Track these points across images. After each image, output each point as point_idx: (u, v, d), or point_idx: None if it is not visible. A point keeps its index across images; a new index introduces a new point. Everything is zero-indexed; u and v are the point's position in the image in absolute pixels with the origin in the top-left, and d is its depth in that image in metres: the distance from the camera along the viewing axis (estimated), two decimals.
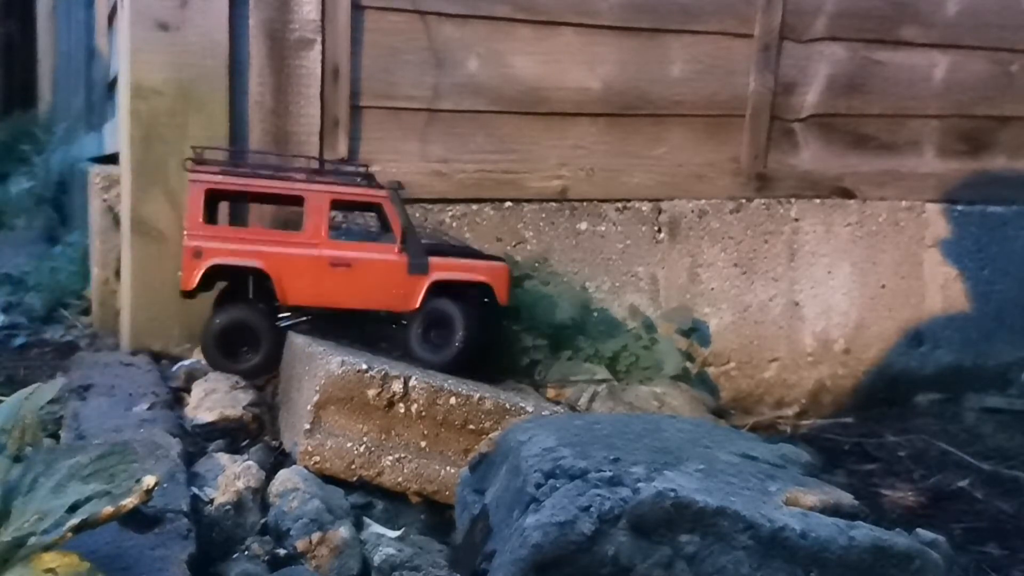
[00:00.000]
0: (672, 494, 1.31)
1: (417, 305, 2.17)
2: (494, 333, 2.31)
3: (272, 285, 2.15)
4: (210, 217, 2.19)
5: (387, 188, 2.20)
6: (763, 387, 2.96)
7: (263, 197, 2.26)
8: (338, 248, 2.18)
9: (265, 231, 2.26)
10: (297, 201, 2.19)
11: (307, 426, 1.82)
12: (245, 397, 2.07)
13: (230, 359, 2.19)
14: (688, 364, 2.65)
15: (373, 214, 2.37)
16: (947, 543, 1.43)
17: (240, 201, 2.36)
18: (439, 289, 2.18)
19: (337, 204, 2.21)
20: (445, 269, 2.20)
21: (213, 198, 2.20)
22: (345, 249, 2.19)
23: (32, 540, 1.18)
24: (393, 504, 1.83)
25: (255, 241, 2.17)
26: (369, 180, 2.24)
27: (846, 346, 3.03)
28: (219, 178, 2.15)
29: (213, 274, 2.16)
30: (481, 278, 2.22)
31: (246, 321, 2.19)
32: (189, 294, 2.17)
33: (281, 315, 2.23)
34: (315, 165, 2.35)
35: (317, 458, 1.81)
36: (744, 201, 2.90)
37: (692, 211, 2.84)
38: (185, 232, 2.15)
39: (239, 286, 2.23)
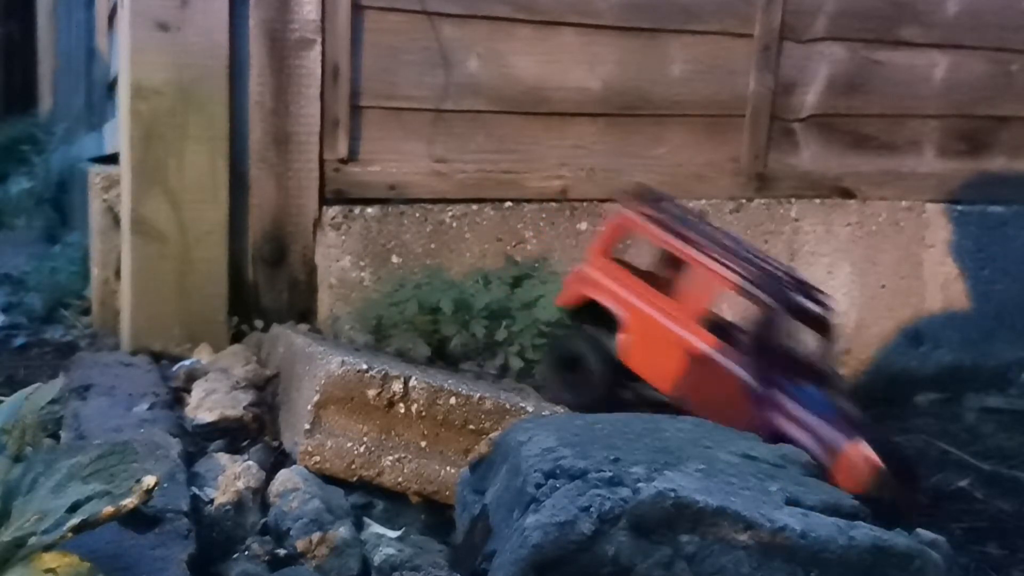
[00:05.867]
0: (672, 494, 1.31)
1: None
2: None
3: (621, 338, 2.06)
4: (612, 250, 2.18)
5: (778, 305, 1.94)
6: None
7: (667, 252, 2.16)
8: (701, 337, 1.99)
9: (646, 287, 2.10)
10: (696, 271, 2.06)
11: (307, 426, 1.82)
12: (245, 397, 2.07)
13: (566, 389, 2.15)
14: None
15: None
16: (947, 543, 1.43)
17: (644, 243, 2.27)
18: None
19: (727, 286, 2.01)
20: (792, 421, 1.85)
21: (624, 233, 2.19)
22: (707, 342, 1.98)
23: (32, 540, 1.18)
24: (393, 504, 1.83)
25: (628, 288, 2.09)
26: (809, 298, 2.02)
27: (846, 346, 3.03)
28: (637, 219, 2.14)
29: (588, 303, 2.15)
30: (809, 444, 1.78)
31: (586, 357, 2.12)
32: (564, 310, 2.22)
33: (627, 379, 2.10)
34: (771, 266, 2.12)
35: (317, 458, 1.82)
36: (744, 201, 2.90)
37: None
38: (586, 258, 2.18)
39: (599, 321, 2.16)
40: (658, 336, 2.03)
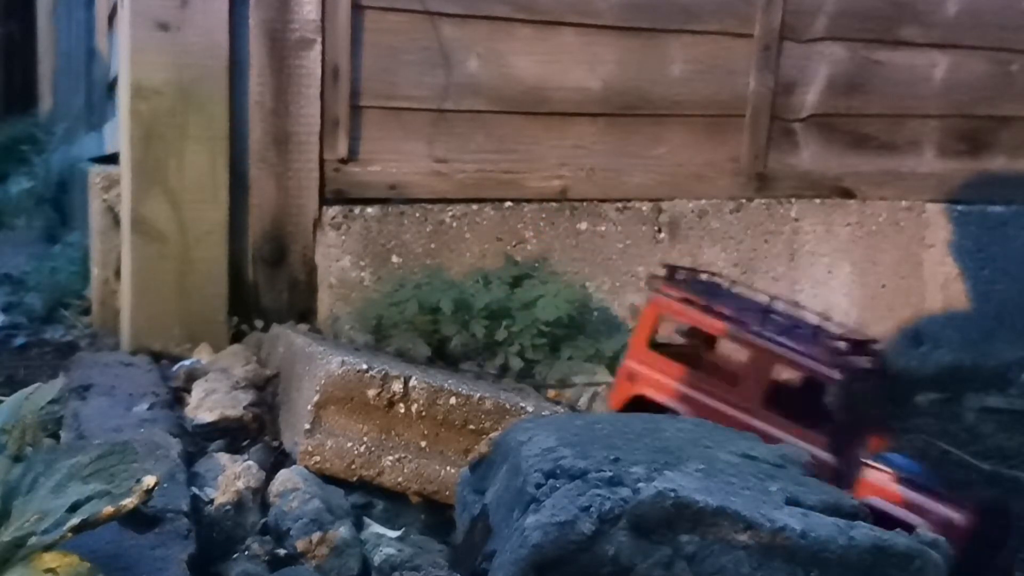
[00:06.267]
0: (672, 494, 1.31)
1: None
2: None
3: None
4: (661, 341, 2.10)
5: (845, 372, 1.91)
6: None
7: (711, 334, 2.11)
8: (765, 421, 1.94)
9: (701, 376, 2.05)
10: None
11: (307, 426, 1.82)
12: (245, 397, 2.07)
13: None
14: None
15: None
16: (947, 543, 1.43)
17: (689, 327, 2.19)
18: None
19: (786, 367, 1.97)
20: (878, 493, 1.79)
21: (661, 320, 2.12)
22: (772, 425, 1.93)
23: (32, 540, 1.18)
24: (393, 504, 1.83)
25: (687, 383, 2.03)
26: (861, 355, 1.97)
27: None
28: (675, 305, 2.08)
29: (637, 402, 2.08)
30: (918, 523, 1.70)
31: None
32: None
33: None
34: (817, 324, 2.08)
35: (317, 458, 1.82)
36: (744, 201, 2.90)
37: (692, 211, 2.84)
38: (628, 351, 2.12)
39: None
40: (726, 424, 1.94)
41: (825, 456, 1.87)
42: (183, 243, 2.39)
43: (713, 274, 2.30)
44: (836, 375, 1.90)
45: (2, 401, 1.44)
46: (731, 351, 2.11)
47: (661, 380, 2.07)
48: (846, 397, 1.90)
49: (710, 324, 2.07)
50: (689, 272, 2.23)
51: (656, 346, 2.13)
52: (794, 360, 1.95)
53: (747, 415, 1.97)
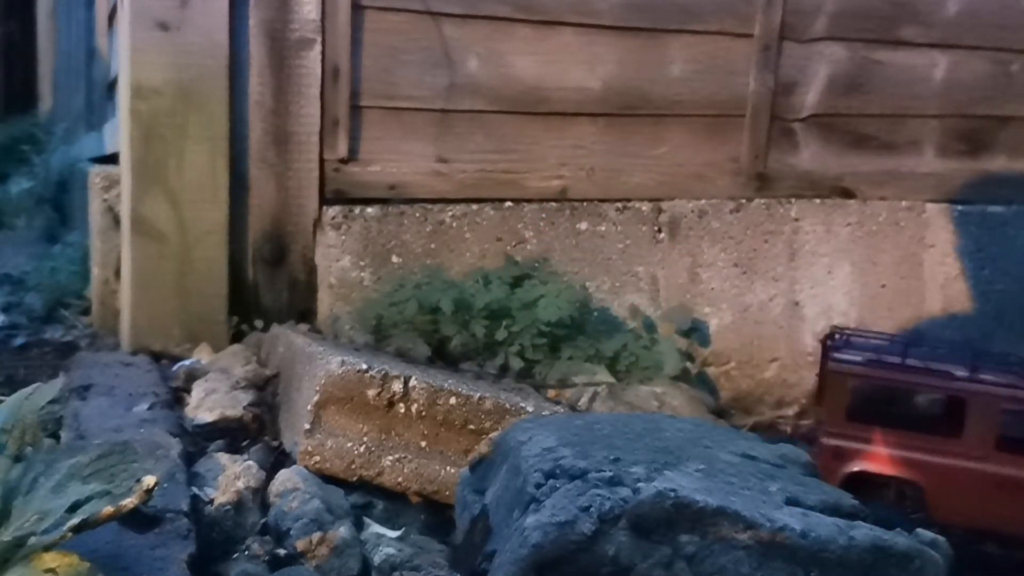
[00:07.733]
0: (672, 494, 1.31)
1: None
2: None
3: (925, 499, 1.96)
4: (854, 410, 2.03)
5: None
6: (763, 387, 2.95)
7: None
8: (1009, 465, 1.93)
9: (915, 436, 2.01)
10: (957, 402, 1.98)
11: (307, 426, 1.82)
12: (245, 397, 2.07)
13: None
14: (688, 364, 2.65)
15: None
16: (947, 543, 1.43)
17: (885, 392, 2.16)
18: None
19: (1010, 409, 1.95)
20: None
21: (856, 389, 2.06)
22: (1019, 467, 1.92)
23: (32, 540, 1.18)
24: (393, 504, 1.83)
25: (904, 446, 1.98)
26: None
27: None
28: (863, 369, 2.04)
29: (855, 479, 2.00)
30: None
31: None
32: None
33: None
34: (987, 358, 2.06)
35: (317, 458, 1.82)
36: (744, 201, 2.90)
37: (692, 211, 2.84)
38: (825, 428, 2.05)
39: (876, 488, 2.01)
40: (965, 479, 1.95)
41: None
42: (183, 243, 2.39)
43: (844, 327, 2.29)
44: None
45: (2, 401, 1.44)
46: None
47: (877, 451, 2.00)
48: None
49: (914, 382, 2.03)
50: (844, 332, 2.22)
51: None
52: (1018, 396, 1.93)
53: (982, 463, 1.95)
